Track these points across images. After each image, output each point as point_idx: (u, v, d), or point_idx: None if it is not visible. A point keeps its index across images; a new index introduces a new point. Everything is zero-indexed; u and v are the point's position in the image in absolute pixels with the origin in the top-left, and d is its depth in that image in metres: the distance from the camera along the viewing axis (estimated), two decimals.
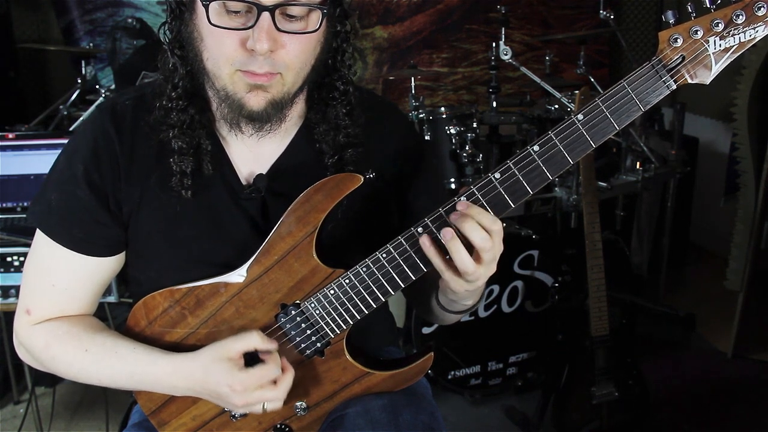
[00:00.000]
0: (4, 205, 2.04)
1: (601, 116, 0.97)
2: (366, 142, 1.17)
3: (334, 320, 1.10)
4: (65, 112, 2.88)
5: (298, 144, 1.18)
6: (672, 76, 0.96)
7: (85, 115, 2.65)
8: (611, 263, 2.22)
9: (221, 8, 0.98)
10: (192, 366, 1.08)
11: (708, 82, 0.96)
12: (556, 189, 2.71)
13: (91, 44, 3.58)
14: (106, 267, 1.17)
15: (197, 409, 1.16)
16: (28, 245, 1.20)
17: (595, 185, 2.21)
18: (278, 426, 1.18)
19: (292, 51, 1.01)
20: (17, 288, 1.80)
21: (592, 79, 3.01)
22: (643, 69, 0.96)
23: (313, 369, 1.15)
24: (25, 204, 2.04)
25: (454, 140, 2.55)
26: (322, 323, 1.10)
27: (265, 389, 1.06)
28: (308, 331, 1.11)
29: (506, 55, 2.52)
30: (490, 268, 0.99)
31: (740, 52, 0.94)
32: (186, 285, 1.12)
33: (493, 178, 0.99)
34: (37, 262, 1.16)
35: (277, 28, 0.98)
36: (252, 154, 1.16)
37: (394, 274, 1.04)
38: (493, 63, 2.95)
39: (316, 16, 1.02)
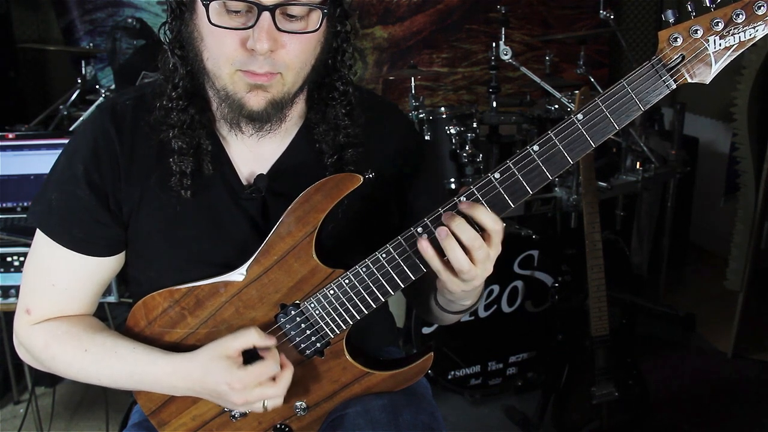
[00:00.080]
0: (4, 205, 2.04)
1: (601, 116, 0.97)
2: (366, 142, 1.17)
3: (333, 320, 1.10)
4: (65, 112, 2.88)
5: (298, 144, 1.18)
6: (672, 76, 0.95)
7: (85, 115, 2.65)
8: (611, 263, 2.22)
9: (221, 8, 0.98)
10: (191, 366, 1.08)
11: (708, 81, 0.96)
12: (556, 189, 2.71)
13: (91, 44, 3.58)
14: (106, 267, 1.17)
15: (197, 409, 1.16)
16: (28, 245, 1.20)
17: (595, 185, 2.21)
18: (278, 426, 1.18)
19: (293, 51, 1.01)
20: (17, 288, 1.80)
21: (592, 79, 3.01)
22: (643, 68, 0.96)
23: (313, 369, 1.15)
24: (25, 204, 2.04)
25: (454, 140, 2.55)
26: (321, 323, 1.10)
27: (265, 386, 1.06)
28: (308, 331, 1.11)
29: (506, 55, 2.52)
30: (485, 268, 0.98)
31: (740, 51, 0.94)
32: (186, 285, 1.12)
33: (492, 178, 0.99)
34: (37, 261, 1.16)
35: (278, 28, 0.98)
36: (252, 154, 1.16)
37: (393, 275, 1.04)
38: (493, 63, 2.95)
39: (316, 16, 1.02)
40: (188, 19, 1.04)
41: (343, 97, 1.15)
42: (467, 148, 2.53)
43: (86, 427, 2.53)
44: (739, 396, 2.67)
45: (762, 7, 0.91)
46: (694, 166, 3.60)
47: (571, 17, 4.41)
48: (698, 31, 0.94)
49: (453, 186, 2.56)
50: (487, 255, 0.97)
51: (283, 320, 1.11)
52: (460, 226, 0.95)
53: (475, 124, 2.59)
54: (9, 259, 1.84)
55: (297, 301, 1.10)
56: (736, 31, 0.93)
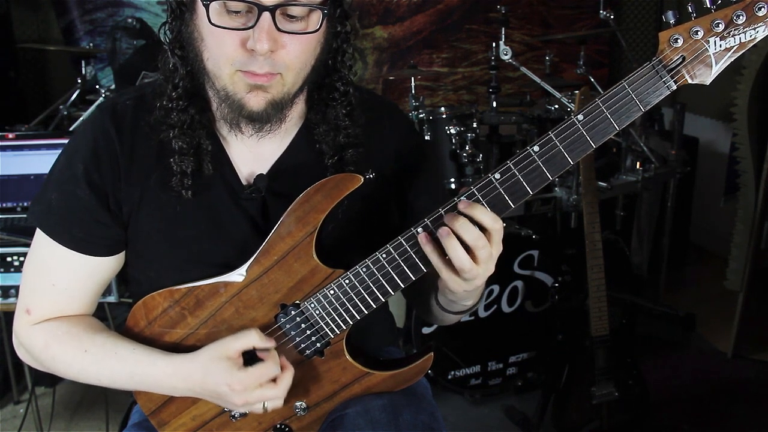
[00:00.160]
0: (4, 205, 2.04)
1: (601, 116, 0.97)
2: (366, 142, 1.17)
3: (333, 320, 1.10)
4: (65, 112, 2.88)
5: (299, 144, 1.18)
6: (672, 77, 0.95)
7: (85, 115, 2.65)
8: (611, 263, 2.22)
9: (222, 8, 0.98)
10: (191, 366, 1.08)
11: (708, 82, 0.96)
12: (556, 189, 2.71)
13: (91, 44, 3.57)
14: (106, 267, 1.17)
15: (197, 409, 1.16)
16: (28, 245, 1.20)
17: (595, 185, 2.21)
18: (278, 426, 1.18)
19: (293, 51, 1.01)
20: (17, 288, 1.80)
21: (592, 79, 3.01)
22: (643, 69, 0.96)
23: (313, 369, 1.15)
24: (25, 204, 2.04)
25: (454, 140, 2.55)
26: (321, 323, 1.10)
27: (265, 388, 1.06)
28: (308, 332, 1.11)
29: (506, 55, 2.52)
30: (487, 268, 0.99)
31: (741, 53, 0.94)
32: (186, 285, 1.12)
33: (493, 179, 0.99)
34: (37, 261, 1.16)
35: (278, 29, 0.98)
36: (252, 155, 1.16)
37: (393, 275, 1.04)
38: (493, 63, 2.95)
39: (316, 17, 1.02)
40: (188, 19, 1.04)
41: (343, 98, 1.15)
42: (467, 148, 2.53)
43: (86, 427, 2.53)
44: (739, 396, 2.67)
45: (762, 9, 0.91)
46: (694, 166, 3.60)
47: (571, 17, 4.41)
48: (699, 33, 0.94)
49: (453, 186, 2.56)
50: (490, 254, 0.97)
51: (283, 320, 1.11)
52: (463, 226, 0.95)
53: (475, 124, 2.59)
54: (9, 259, 1.84)
55: (297, 301, 1.10)
56: (736, 32, 0.93)
